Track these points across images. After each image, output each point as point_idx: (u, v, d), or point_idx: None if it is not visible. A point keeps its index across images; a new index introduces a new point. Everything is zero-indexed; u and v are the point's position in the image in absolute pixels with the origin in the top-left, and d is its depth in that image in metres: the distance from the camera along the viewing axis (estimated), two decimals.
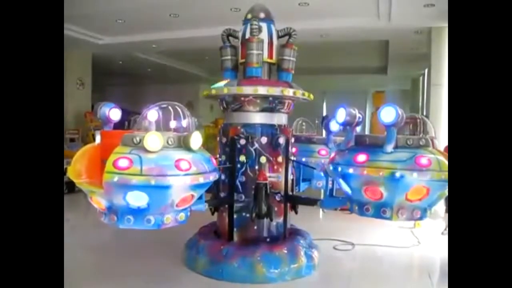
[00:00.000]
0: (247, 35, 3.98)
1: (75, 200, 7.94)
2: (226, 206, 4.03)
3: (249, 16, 4.10)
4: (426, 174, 3.01)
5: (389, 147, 3.09)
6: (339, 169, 3.29)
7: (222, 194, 4.01)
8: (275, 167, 4.04)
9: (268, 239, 4.03)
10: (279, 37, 4.15)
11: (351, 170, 3.18)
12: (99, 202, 3.13)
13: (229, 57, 4.16)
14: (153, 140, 2.91)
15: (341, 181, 3.43)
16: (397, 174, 2.97)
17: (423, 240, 5.26)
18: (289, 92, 3.93)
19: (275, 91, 3.86)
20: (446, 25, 7.35)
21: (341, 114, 3.39)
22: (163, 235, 4.93)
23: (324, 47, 10.29)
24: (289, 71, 4.15)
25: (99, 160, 3.27)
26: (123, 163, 2.86)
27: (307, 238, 4.24)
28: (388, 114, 3.02)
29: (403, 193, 3.08)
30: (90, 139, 10.21)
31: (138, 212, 3.01)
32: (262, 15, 4.08)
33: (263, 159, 3.98)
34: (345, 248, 4.84)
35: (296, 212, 4.23)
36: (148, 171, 2.85)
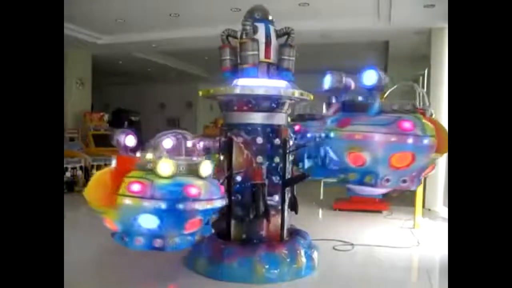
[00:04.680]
0: (275, 40, 4.04)
1: (75, 200, 7.94)
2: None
3: (259, 15, 4.08)
4: None
5: None
6: None
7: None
8: None
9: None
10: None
11: None
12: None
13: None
14: None
15: None
16: None
17: (422, 241, 5.26)
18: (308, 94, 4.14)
19: (304, 94, 4.08)
20: (446, 25, 7.35)
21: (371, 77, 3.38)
22: None
23: (324, 47, 10.28)
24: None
25: None
26: None
27: (306, 239, 4.23)
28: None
29: None
30: (89, 139, 10.21)
31: None
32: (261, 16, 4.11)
33: (276, 159, 4.04)
34: (344, 249, 4.84)
35: (296, 212, 4.23)
36: None
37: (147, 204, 2.92)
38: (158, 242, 3.09)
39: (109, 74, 14.10)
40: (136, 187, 2.97)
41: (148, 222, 3.01)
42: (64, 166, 7.93)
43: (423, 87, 12.52)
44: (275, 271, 3.71)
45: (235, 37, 4.15)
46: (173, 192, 2.97)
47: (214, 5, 7.20)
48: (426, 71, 9.83)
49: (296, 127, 4.39)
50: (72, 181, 8.39)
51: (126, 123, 14.31)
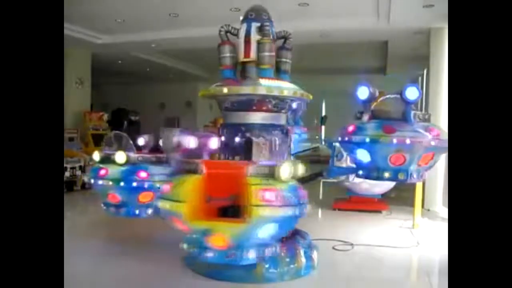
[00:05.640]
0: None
1: (74, 200, 7.94)
2: None
3: (265, 16, 4.10)
4: None
5: None
6: None
7: None
8: None
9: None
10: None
11: None
12: None
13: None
14: None
15: None
16: None
17: (422, 241, 5.26)
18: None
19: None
20: (446, 25, 7.35)
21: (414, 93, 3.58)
22: (162, 235, 4.94)
23: (323, 47, 10.30)
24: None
25: None
26: None
27: (306, 238, 4.24)
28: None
29: None
30: (88, 139, 10.21)
31: None
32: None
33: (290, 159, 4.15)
34: (344, 248, 4.85)
35: None
36: None
37: (289, 212, 2.76)
38: (268, 251, 2.94)
39: (108, 73, 14.10)
40: (269, 195, 2.76)
41: (266, 231, 2.81)
42: (64, 165, 7.95)
43: (422, 86, 12.58)
44: (275, 271, 3.71)
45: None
46: (296, 197, 2.85)
47: (213, 5, 7.20)
48: (425, 71, 9.84)
49: None
50: (72, 180, 8.41)
51: (125, 123, 14.30)
